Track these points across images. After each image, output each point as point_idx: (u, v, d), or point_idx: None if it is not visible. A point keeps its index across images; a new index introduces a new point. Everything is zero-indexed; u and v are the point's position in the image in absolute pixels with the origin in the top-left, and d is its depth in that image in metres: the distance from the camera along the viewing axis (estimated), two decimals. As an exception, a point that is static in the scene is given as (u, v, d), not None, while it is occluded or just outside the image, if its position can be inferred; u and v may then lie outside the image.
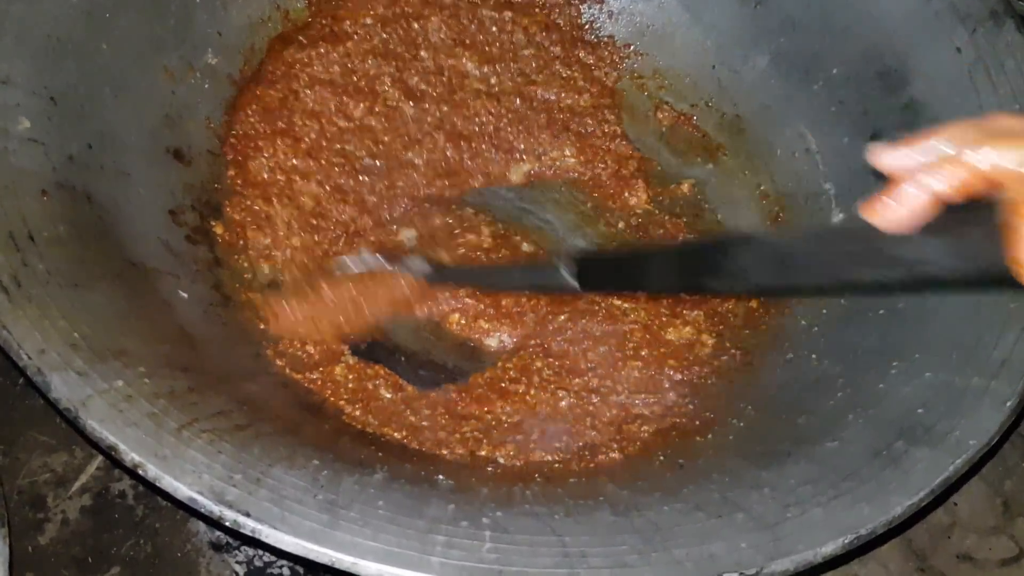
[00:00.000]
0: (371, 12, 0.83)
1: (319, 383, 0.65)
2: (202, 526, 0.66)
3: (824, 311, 0.72)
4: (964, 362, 0.57)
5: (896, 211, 0.40)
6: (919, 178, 0.39)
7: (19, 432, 0.68)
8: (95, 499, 0.66)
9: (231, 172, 0.74)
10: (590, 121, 0.86)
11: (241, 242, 0.71)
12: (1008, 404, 0.53)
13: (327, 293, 0.69)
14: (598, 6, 0.89)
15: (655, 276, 0.59)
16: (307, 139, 0.77)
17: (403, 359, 0.71)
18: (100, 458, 0.67)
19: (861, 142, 0.76)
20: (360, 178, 0.77)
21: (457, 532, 0.47)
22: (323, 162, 0.76)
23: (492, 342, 0.73)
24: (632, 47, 0.90)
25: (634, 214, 0.82)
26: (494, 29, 0.86)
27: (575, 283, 0.63)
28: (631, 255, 0.67)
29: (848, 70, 0.78)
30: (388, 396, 0.67)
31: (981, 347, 0.57)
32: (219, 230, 0.71)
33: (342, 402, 0.65)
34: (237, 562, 0.66)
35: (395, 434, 0.63)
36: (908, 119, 0.73)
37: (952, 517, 0.75)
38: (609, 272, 0.64)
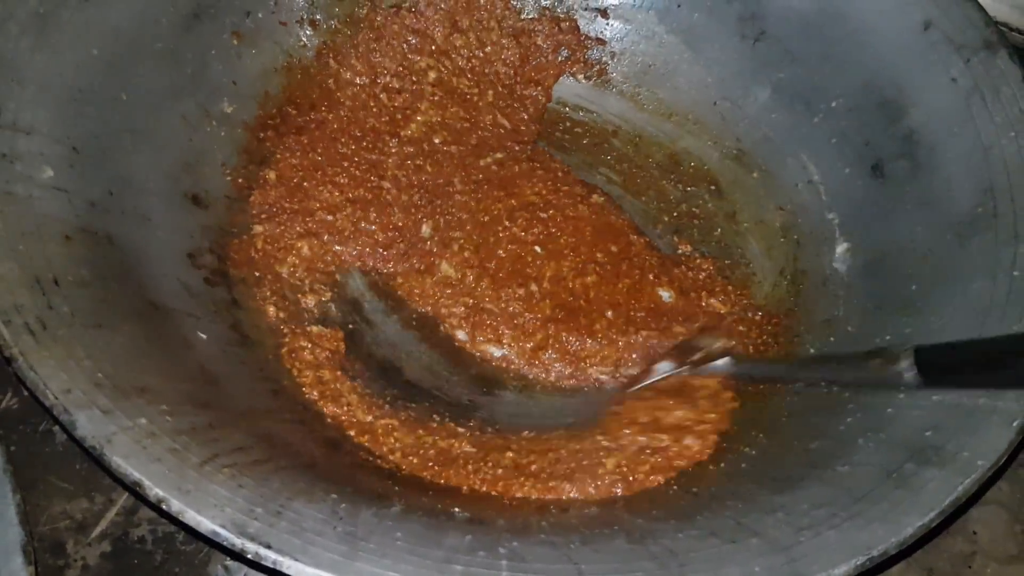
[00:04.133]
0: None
1: (336, 418, 0.66)
2: (220, 569, 0.67)
3: (832, 339, 0.72)
4: (971, 383, 0.58)
5: None
6: None
7: (39, 478, 0.68)
8: (114, 545, 0.66)
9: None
10: None
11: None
12: (1015, 423, 0.54)
13: None
14: (600, 47, 0.91)
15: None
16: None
17: (418, 394, 0.72)
18: (119, 504, 0.68)
19: (863, 172, 0.77)
20: None
21: (474, 562, 0.48)
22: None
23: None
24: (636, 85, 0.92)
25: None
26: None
27: (916, 378, 0.58)
28: (991, 346, 0.60)
29: (848, 102, 0.79)
30: (396, 437, 0.68)
31: (987, 368, 0.58)
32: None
33: (360, 438, 0.65)
34: (255, 606, 0.66)
35: (412, 469, 0.64)
36: (908, 149, 0.74)
37: (973, 545, 0.74)
38: (962, 365, 0.59)
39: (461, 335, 0.76)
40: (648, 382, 0.73)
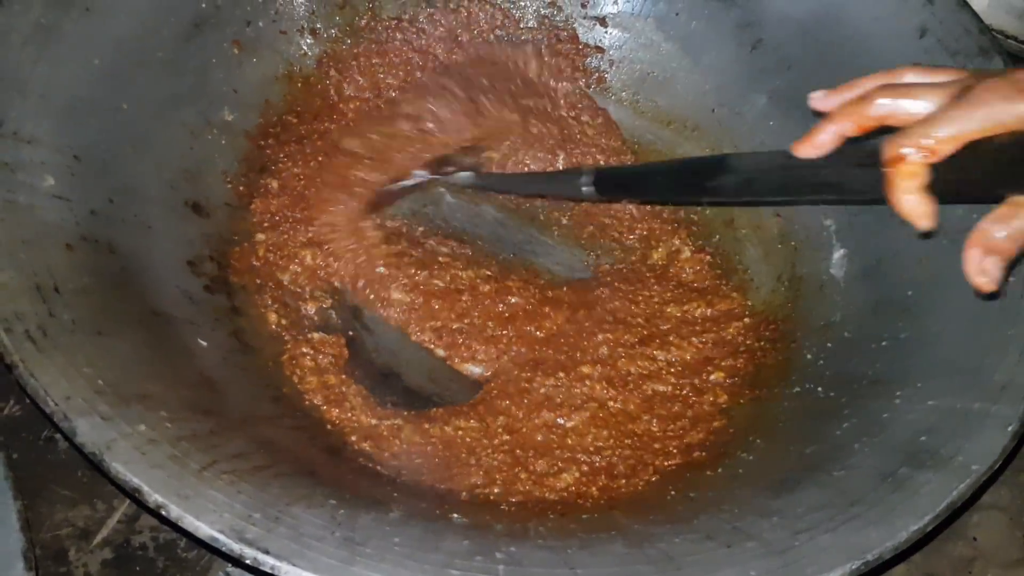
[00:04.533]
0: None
1: (338, 423, 0.67)
2: (221, 577, 0.67)
3: (829, 344, 0.73)
4: (966, 388, 0.58)
5: (813, 148, 0.54)
6: (828, 126, 0.53)
7: (41, 486, 0.68)
8: (116, 552, 0.67)
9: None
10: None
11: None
12: (1010, 428, 0.54)
13: None
14: (599, 55, 0.92)
15: (659, 188, 0.72)
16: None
17: (418, 401, 0.73)
18: (121, 511, 0.68)
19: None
20: None
21: (472, 566, 0.48)
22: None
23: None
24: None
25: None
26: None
27: (592, 190, 0.72)
28: (641, 170, 0.80)
29: (844, 108, 0.80)
30: (403, 437, 0.68)
31: (982, 373, 0.58)
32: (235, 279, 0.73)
33: (361, 444, 0.66)
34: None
35: (412, 473, 0.65)
36: (904, 154, 0.74)
37: (974, 551, 0.74)
38: (623, 182, 0.75)
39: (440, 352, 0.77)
40: (404, 184, 0.83)
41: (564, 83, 0.91)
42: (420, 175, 0.83)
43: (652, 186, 0.72)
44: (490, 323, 0.77)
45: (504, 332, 0.76)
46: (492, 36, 0.90)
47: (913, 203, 0.49)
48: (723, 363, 0.76)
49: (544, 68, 0.91)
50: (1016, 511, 0.76)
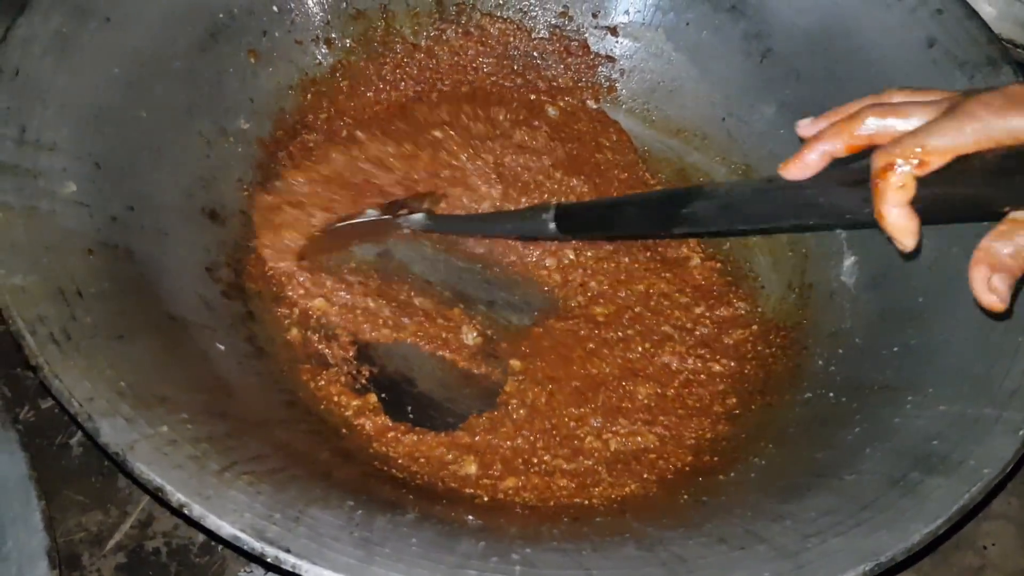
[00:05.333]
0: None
1: (353, 428, 0.68)
2: (235, 581, 0.68)
3: (840, 351, 0.73)
4: (976, 394, 0.59)
5: (800, 169, 0.54)
6: (817, 144, 0.53)
7: (55, 491, 0.69)
8: (129, 557, 0.67)
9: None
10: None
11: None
12: (1020, 433, 0.54)
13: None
14: (610, 64, 0.93)
15: (628, 221, 0.68)
16: None
17: (431, 406, 0.74)
18: (134, 517, 0.69)
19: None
20: None
21: (487, 567, 0.49)
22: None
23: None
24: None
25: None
26: None
27: (554, 227, 0.71)
28: (607, 203, 0.76)
29: (854, 118, 0.80)
30: (416, 442, 0.69)
31: (992, 378, 0.59)
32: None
33: (375, 448, 0.67)
34: (269, 617, 0.67)
35: (426, 476, 0.65)
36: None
37: (982, 559, 0.74)
38: (587, 218, 0.72)
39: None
40: (355, 221, 0.79)
41: (577, 99, 0.92)
42: (372, 214, 0.80)
43: (622, 219, 0.69)
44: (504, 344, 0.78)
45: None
46: (505, 50, 0.91)
47: (898, 217, 0.48)
48: (732, 369, 0.77)
49: (558, 84, 0.92)
50: (1026, 521, 0.76)
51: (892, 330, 0.69)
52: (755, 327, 0.79)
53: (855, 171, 0.51)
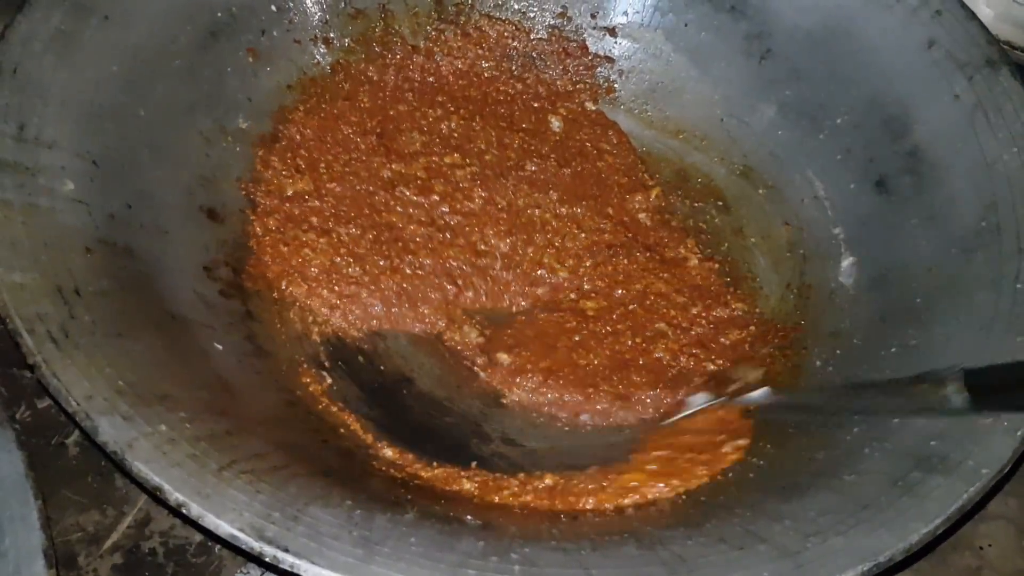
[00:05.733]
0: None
1: (351, 427, 0.67)
2: (232, 582, 0.68)
3: (839, 352, 0.73)
4: (975, 394, 0.58)
5: None
6: None
7: (51, 491, 0.68)
8: (126, 557, 0.67)
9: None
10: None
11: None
12: (1019, 433, 0.55)
13: None
14: (609, 65, 0.93)
15: None
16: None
17: (431, 406, 0.73)
18: (131, 516, 0.68)
19: (868, 188, 0.78)
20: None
21: (487, 566, 0.49)
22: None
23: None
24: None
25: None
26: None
27: (966, 400, 0.56)
28: None
29: (853, 119, 0.80)
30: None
31: (991, 379, 0.59)
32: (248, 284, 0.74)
33: (373, 447, 0.67)
34: (266, 617, 0.67)
35: (427, 477, 0.65)
36: (912, 165, 0.75)
37: (980, 560, 0.74)
38: (1012, 386, 0.57)
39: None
40: (683, 415, 0.71)
41: (577, 103, 0.92)
42: (701, 398, 0.72)
43: None
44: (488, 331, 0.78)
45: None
46: (504, 52, 0.91)
47: None
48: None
49: (557, 88, 0.92)
50: (1023, 521, 0.76)
51: (891, 331, 0.69)
52: (753, 328, 0.79)
53: None
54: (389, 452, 0.67)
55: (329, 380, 0.71)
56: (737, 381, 0.72)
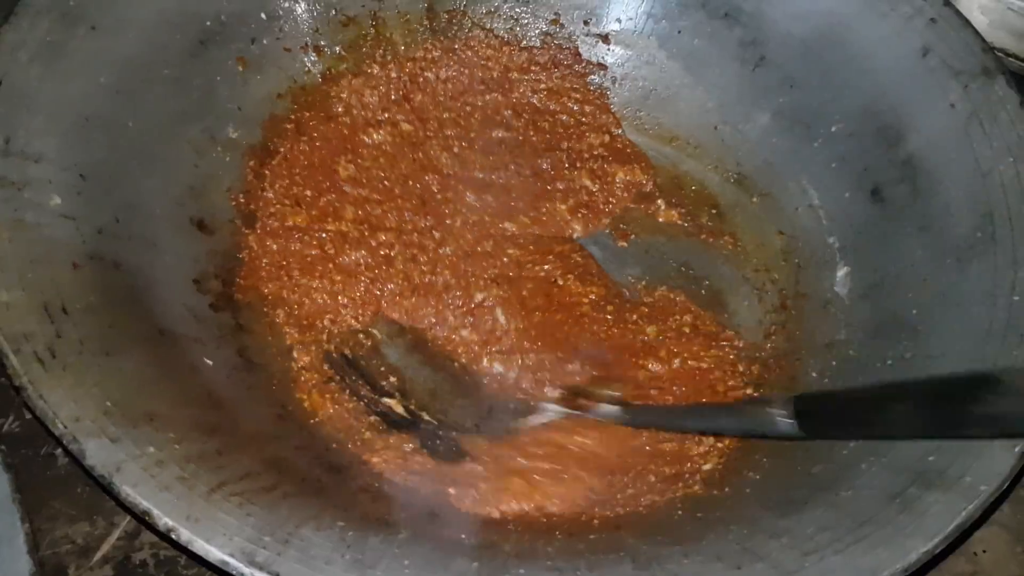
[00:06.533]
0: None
1: (342, 442, 0.67)
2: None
3: (833, 363, 0.73)
4: (973, 408, 0.58)
5: None
6: None
7: (41, 502, 0.68)
8: (116, 569, 0.66)
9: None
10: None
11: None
12: (1017, 448, 0.54)
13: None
14: (602, 72, 0.92)
15: (896, 423, 0.55)
16: None
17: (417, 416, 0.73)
18: (121, 528, 0.68)
19: (863, 196, 0.78)
20: None
21: (482, 587, 0.48)
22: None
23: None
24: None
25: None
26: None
27: (792, 427, 0.58)
28: (867, 395, 0.60)
29: (848, 127, 0.80)
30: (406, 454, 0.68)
31: (989, 393, 0.58)
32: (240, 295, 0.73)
33: (365, 462, 0.66)
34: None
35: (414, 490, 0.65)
36: (907, 173, 0.74)
37: (975, 566, 0.74)
38: (839, 415, 0.59)
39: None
40: (537, 423, 0.73)
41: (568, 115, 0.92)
42: (552, 408, 0.74)
43: (888, 421, 0.55)
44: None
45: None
46: (496, 59, 0.91)
47: None
48: (725, 382, 0.76)
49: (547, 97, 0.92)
50: (1017, 527, 0.76)
51: (886, 343, 0.69)
52: (745, 340, 0.79)
53: None
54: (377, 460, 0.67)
55: (322, 390, 0.71)
56: (592, 396, 0.73)
